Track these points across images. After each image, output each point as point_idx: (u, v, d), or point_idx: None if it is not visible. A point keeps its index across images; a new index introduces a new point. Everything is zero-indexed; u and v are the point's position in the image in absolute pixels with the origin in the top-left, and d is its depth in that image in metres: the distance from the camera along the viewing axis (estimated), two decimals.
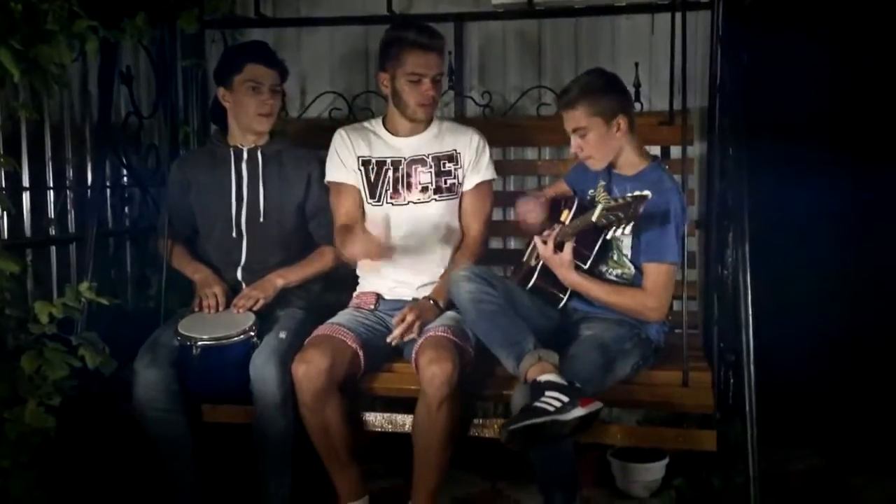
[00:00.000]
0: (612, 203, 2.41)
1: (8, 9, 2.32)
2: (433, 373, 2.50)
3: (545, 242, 2.61)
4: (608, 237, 2.51)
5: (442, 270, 2.90)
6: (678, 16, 2.75)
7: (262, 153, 2.98)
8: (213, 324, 2.75)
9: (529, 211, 2.83)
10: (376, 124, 2.98)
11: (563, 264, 2.60)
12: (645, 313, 2.63)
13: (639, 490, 3.21)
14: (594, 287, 2.64)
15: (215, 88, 3.01)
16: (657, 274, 2.60)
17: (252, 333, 2.72)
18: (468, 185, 2.94)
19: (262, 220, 2.96)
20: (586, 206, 2.70)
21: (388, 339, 2.73)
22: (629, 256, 2.67)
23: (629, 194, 2.45)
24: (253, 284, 2.90)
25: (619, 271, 2.70)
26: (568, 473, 2.59)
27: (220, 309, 2.84)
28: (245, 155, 2.98)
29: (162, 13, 3.15)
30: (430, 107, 2.86)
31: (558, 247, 2.60)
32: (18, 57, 2.32)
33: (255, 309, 2.81)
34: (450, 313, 2.74)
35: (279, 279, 2.91)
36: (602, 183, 2.78)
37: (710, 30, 3.09)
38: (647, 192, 2.44)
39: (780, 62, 3.66)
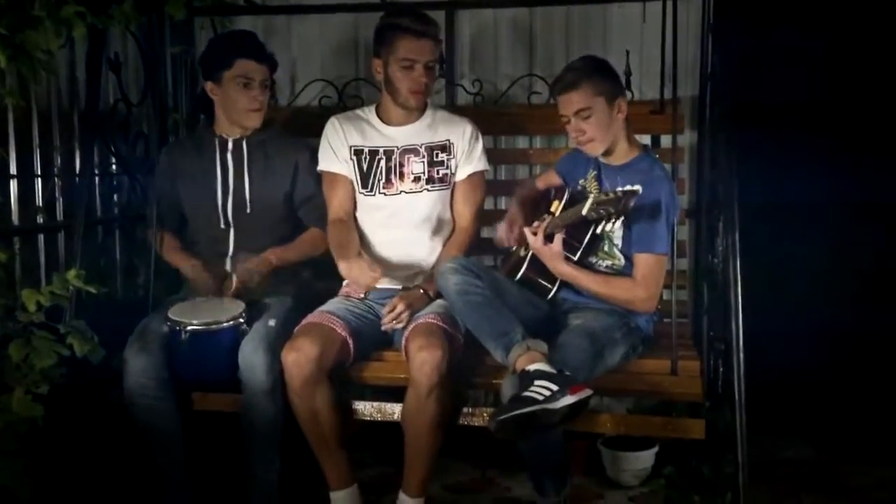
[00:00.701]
0: (603, 197, 2.39)
1: None
2: (423, 360, 2.49)
3: (535, 234, 2.59)
4: (598, 231, 2.50)
5: (432, 260, 2.89)
6: (669, 4, 2.74)
7: (247, 143, 2.96)
8: (202, 310, 2.75)
9: (507, 234, 2.81)
10: (369, 113, 2.97)
11: (553, 256, 2.59)
12: (635, 304, 2.62)
13: (628, 478, 3.22)
14: (584, 277, 2.63)
15: (202, 79, 2.99)
16: (648, 264, 2.59)
17: (241, 320, 2.71)
18: (460, 175, 2.93)
19: (248, 210, 2.95)
20: (577, 198, 2.69)
21: (383, 328, 2.72)
22: (619, 247, 2.67)
23: (619, 188, 2.43)
24: (248, 260, 2.86)
25: (609, 262, 2.69)
26: (558, 462, 2.60)
27: (213, 292, 2.82)
28: (230, 145, 2.97)
29: None
30: (421, 94, 2.85)
31: (548, 238, 2.59)
32: (5, 43, 2.31)
33: (251, 284, 2.80)
34: (440, 301, 2.74)
35: (273, 256, 2.89)
36: (593, 172, 2.77)
37: (701, 18, 3.08)
38: (637, 187, 2.42)
39: (771, 51, 3.66)
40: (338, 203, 2.91)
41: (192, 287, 2.90)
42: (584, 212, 2.40)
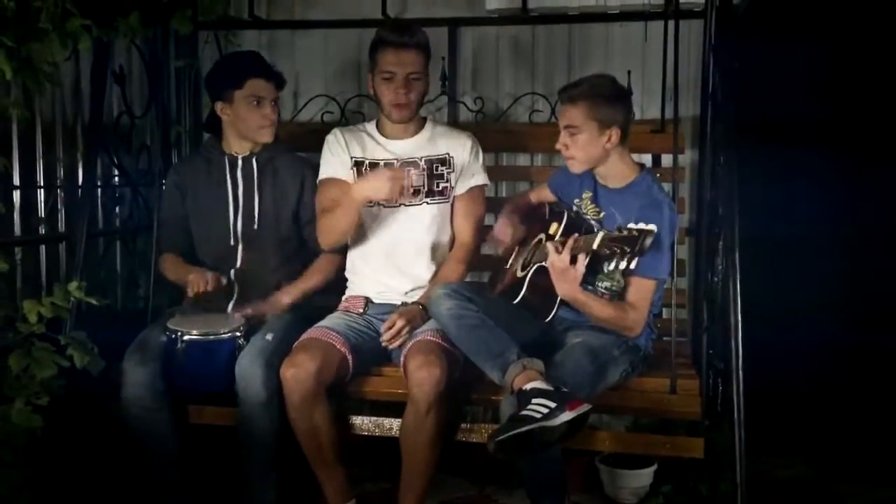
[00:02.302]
0: (615, 234, 2.30)
1: (0, 6, 2.31)
2: (422, 377, 2.49)
3: (558, 251, 2.45)
4: (610, 269, 2.39)
5: (428, 273, 2.88)
6: (671, 24, 2.76)
7: (256, 161, 2.98)
8: (202, 322, 2.75)
9: (504, 233, 2.77)
10: (370, 126, 2.98)
11: (573, 279, 2.45)
12: (635, 329, 2.59)
13: (627, 496, 3.21)
14: (591, 303, 2.54)
15: (208, 98, 3.00)
16: (644, 288, 2.56)
17: (238, 334, 2.72)
18: (461, 189, 2.93)
19: (257, 227, 2.96)
20: (576, 221, 2.66)
21: (383, 344, 2.72)
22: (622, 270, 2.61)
23: (633, 226, 2.30)
24: (260, 304, 2.88)
25: (607, 283, 2.63)
26: (556, 479, 2.59)
27: (209, 288, 2.80)
28: (240, 163, 2.98)
29: (155, 13, 3.15)
30: (404, 107, 2.83)
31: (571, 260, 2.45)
32: (11, 55, 2.32)
33: (250, 315, 2.81)
34: None
35: (286, 297, 2.90)
36: (588, 193, 2.74)
37: (702, 38, 3.10)
38: (652, 226, 2.28)
39: (773, 70, 3.69)
40: (330, 199, 2.87)
41: (190, 283, 2.81)
42: (595, 246, 2.33)
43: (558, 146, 2.64)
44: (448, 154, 2.92)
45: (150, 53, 3.34)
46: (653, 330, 2.74)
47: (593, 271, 2.60)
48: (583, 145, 2.59)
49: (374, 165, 2.90)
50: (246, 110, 2.89)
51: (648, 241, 2.26)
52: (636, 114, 3.28)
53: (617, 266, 2.31)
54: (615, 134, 2.58)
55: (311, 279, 2.97)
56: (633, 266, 2.31)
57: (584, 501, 3.22)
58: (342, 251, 2.97)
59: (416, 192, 2.89)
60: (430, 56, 2.87)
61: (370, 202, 2.80)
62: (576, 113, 2.57)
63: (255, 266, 2.97)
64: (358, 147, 2.93)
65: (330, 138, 2.96)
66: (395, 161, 2.90)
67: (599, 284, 2.65)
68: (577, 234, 2.46)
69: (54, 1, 2.40)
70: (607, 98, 2.59)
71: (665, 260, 2.56)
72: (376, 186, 2.70)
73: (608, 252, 2.31)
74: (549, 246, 2.50)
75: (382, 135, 2.94)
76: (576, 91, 2.59)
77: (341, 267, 2.99)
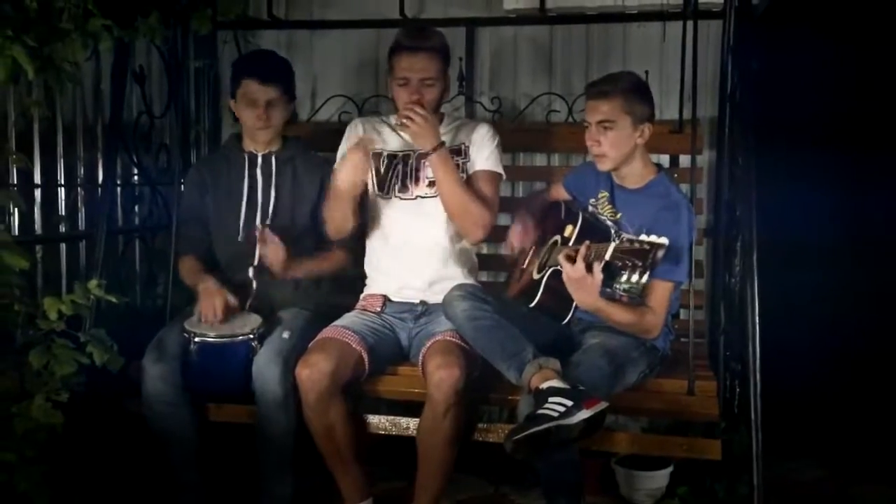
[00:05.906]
0: (627, 245, 2.26)
1: (23, 6, 2.34)
2: (440, 378, 2.49)
3: (572, 260, 2.41)
4: (622, 281, 2.32)
5: (447, 270, 2.85)
6: (689, 24, 2.75)
7: (275, 159, 2.99)
8: (218, 323, 2.76)
9: (520, 237, 2.77)
10: (393, 118, 2.95)
11: (590, 287, 2.42)
12: (652, 332, 2.59)
13: (643, 498, 3.21)
14: (611, 310, 2.51)
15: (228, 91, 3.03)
16: (663, 291, 2.55)
17: (252, 336, 2.73)
18: (471, 170, 2.87)
19: (276, 224, 2.97)
20: (591, 222, 2.65)
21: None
22: None
23: (645, 238, 2.26)
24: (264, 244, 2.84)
25: (627, 286, 2.60)
26: (573, 480, 2.58)
27: (219, 314, 2.78)
28: (259, 161, 2.99)
29: (175, 13, 3.17)
30: None
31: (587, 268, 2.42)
32: (33, 54, 2.33)
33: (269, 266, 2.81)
34: None
35: (295, 264, 2.86)
36: (604, 193, 2.73)
37: (721, 38, 3.09)
38: (663, 240, 2.24)
39: (791, 71, 3.67)
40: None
41: (201, 303, 2.82)
42: (608, 257, 2.30)
43: (589, 143, 2.62)
44: (463, 144, 2.89)
45: (169, 53, 3.36)
46: (671, 331, 2.74)
47: (611, 274, 2.58)
48: (616, 141, 2.58)
49: (391, 157, 2.90)
50: (242, 109, 2.91)
51: (660, 254, 2.24)
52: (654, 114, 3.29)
53: (629, 279, 2.28)
54: (648, 130, 2.59)
55: (322, 263, 2.96)
56: (644, 280, 2.28)
57: (601, 503, 3.21)
58: (355, 249, 2.97)
59: (431, 185, 2.86)
60: (449, 59, 2.86)
61: (360, 188, 2.78)
62: (610, 107, 2.55)
63: None
64: (377, 137, 2.91)
65: (350, 127, 2.97)
66: (412, 152, 2.88)
67: (618, 287, 2.62)
68: (588, 242, 2.43)
69: (76, 1, 2.42)
70: (639, 93, 2.60)
71: (683, 263, 2.54)
72: (347, 176, 2.71)
73: (620, 264, 2.29)
74: (562, 256, 2.45)
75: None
76: (607, 86, 2.58)
77: (354, 265, 3.00)
